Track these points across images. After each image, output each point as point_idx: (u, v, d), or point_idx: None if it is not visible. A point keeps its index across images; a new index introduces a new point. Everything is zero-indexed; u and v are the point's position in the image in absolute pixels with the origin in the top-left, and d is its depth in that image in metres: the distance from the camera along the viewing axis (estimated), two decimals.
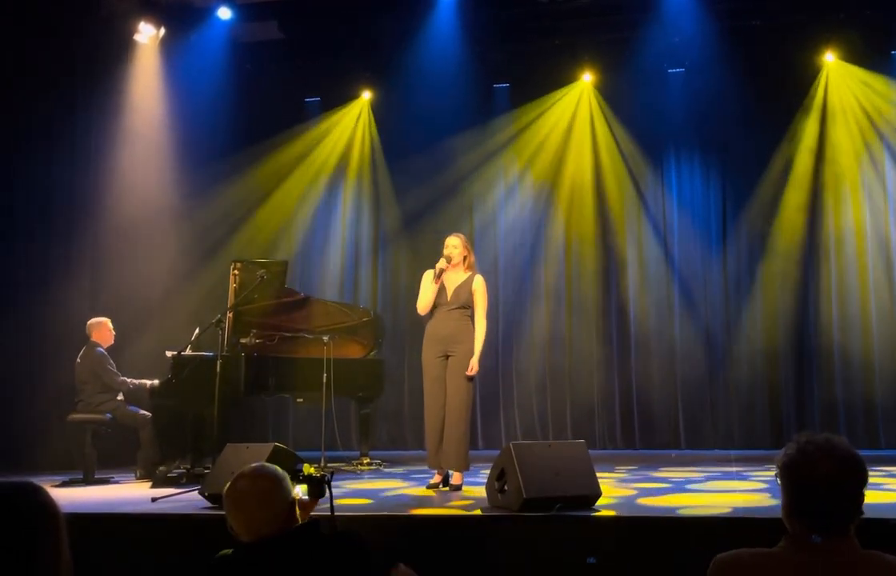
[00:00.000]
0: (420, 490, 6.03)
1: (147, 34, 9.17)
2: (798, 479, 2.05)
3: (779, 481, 2.13)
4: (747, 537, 2.46)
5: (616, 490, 5.78)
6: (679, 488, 5.99)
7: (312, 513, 2.72)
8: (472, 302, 6.13)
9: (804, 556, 2.00)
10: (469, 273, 6.21)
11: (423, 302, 6.18)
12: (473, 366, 6.02)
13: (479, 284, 6.16)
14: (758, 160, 9.61)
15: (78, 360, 7.36)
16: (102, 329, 7.49)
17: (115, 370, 7.38)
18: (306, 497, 2.68)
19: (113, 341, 7.55)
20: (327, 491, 2.73)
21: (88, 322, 7.52)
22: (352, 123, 10.58)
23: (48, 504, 1.71)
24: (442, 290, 6.13)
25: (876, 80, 9.32)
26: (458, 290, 6.11)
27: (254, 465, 2.52)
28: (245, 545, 2.37)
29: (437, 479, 6.06)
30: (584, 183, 10.05)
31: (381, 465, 7.98)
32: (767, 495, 5.46)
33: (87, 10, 8.50)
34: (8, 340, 7.79)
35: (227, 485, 2.45)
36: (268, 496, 2.39)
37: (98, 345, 7.39)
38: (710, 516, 4.62)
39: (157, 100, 9.27)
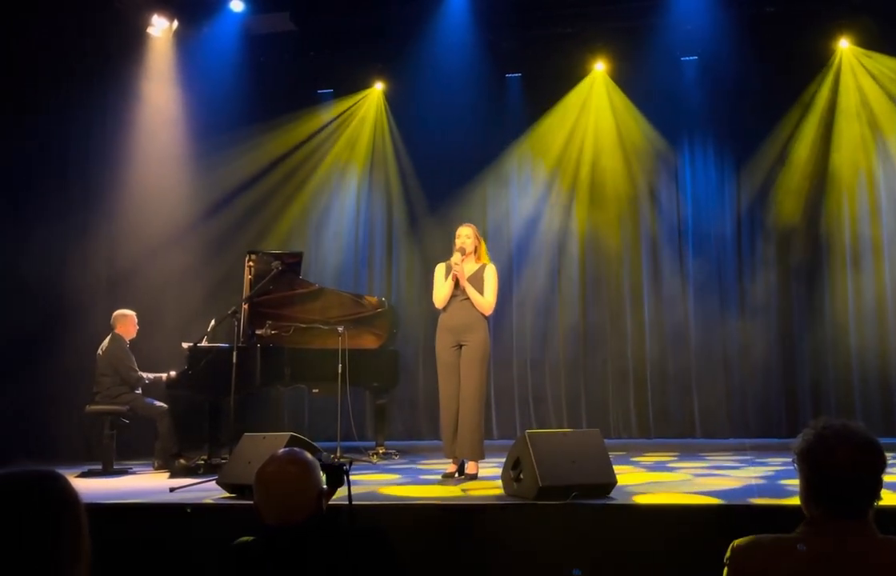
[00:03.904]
0: (435, 479, 6.04)
1: (160, 27, 9.21)
2: (816, 465, 2.05)
3: (796, 467, 2.13)
4: (765, 524, 2.46)
5: (631, 478, 5.78)
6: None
7: (330, 502, 2.73)
8: (483, 291, 6.14)
9: (823, 540, 2.00)
10: (481, 263, 6.22)
11: (440, 296, 6.19)
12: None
13: (489, 273, 6.17)
14: (772, 147, 9.55)
15: (100, 351, 7.42)
16: (127, 323, 7.56)
17: (135, 366, 7.44)
18: (325, 486, 2.69)
19: (136, 335, 7.61)
20: (346, 480, 2.74)
21: (114, 314, 7.59)
22: (364, 114, 10.60)
23: (69, 492, 1.72)
24: (456, 280, 6.14)
25: (891, 67, 9.24)
26: (471, 280, 6.12)
27: (286, 449, 2.53)
28: (269, 530, 2.38)
29: (451, 468, 6.08)
30: (596, 172, 10.01)
31: (396, 455, 8.02)
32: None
33: (101, 4, 8.53)
34: (28, 338, 7.85)
35: (259, 467, 2.46)
36: (297, 482, 2.40)
37: (122, 338, 7.46)
38: (727, 504, 4.61)
39: (171, 92, 9.31)
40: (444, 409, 6.14)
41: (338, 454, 7.36)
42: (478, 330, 6.07)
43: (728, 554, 2.10)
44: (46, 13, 7.96)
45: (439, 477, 6.05)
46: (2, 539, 1.61)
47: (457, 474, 6.04)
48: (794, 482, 2.19)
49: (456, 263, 6.09)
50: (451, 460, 6.12)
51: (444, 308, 6.19)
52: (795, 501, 2.16)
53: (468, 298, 6.10)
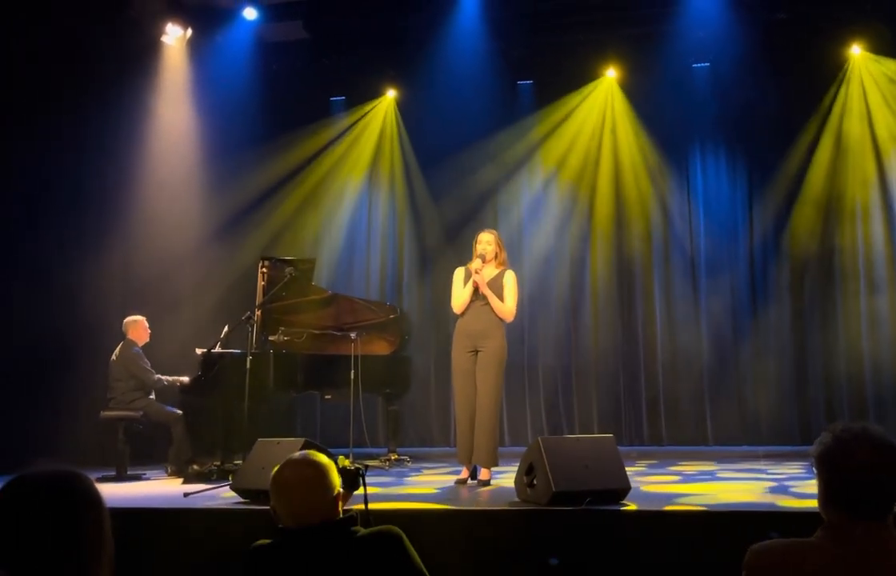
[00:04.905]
0: (449, 485, 6.03)
1: (174, 35, 9.24)
2: (835, 467, 2.05)
3: (814, 471, 2.12)
4: (781, 530, 2.46)
5: (645, 484, 5.76)
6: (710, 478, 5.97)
7: (346, 506, 2.74)
8: (503, 297, 6.12)
9: (841, 545, 2.00)
10: (501, 269, 6.21)
11: (459, 302, 6.17)
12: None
13: (509, 279, 6.16)
14: (784, 155, 9.52)
15: (113, 357, 7.46)
16: (139, 327, 7.59)
17: (150, 368, 7.47)
18: (341, 490, 2.70)
19: (148, 339, 7.65)
20: (361, 484, 2.75)
21: (125, 320, 7.62)
22: (376, 121, 10.64)
23: (91, 491, 1.73)
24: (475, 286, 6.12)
25: None
26: (490, 286, 6.11)
27: (301, 453, 2.55)
28: (286, 532, 2.40)
29: (464, 474, 6.06)
30: (608, 178, 10.02)
31: (408, 461, 8.02)
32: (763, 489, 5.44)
33: (117, 13, 8.59)
34: (44, 343, 7.91)
35: (275, 470, 2.48)
36: (313, 484, 2.41)
37: (134, 344, 7.49)
38: (742, 510, 4.60)
39: (185, 100, 9.35)
40: (459, 414, 6.14)
41: (350, 460, 7.35)
42: (495, 336, 6.06)
43: (746, 558, 2.09)
44: (61, 22, 8.02)
45: (452, 483, 6.04)
46: (25, 537, 1.62)
47: (469, 480, 6.03)
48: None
49: (476, 270, 6.08)
50: (464, 466, 6.11)
51: (462, 313, 6.17)
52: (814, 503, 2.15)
53: (487, 303, 6.08)
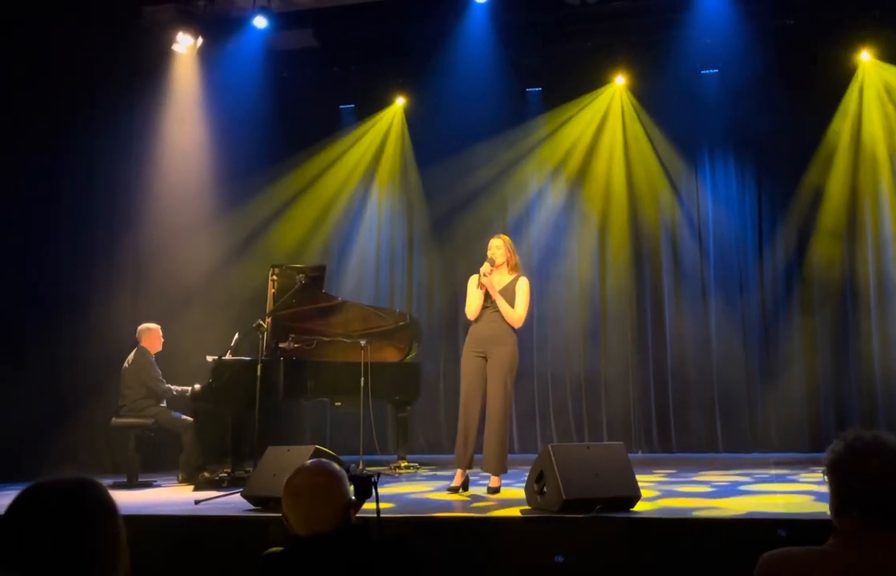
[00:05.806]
0: (460, 494, 6.00)
1: (185, 44, 9.26)
2: (847, 475, 2.05)
3: (826, 479, 2.12)
4: (793, 538, 2.45)
5: (656, 492, 5.75)
6: (720, 492, 5.94)
7: (358, 514, 2.75)
8: (515, 303, 6.11)
9: (854, 553, 2.00)
10: (514, 275, 6.20)
11: (472, 307, 6.16)
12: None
13: (521, 284, 6.15)
14: (793, 160, 9.50)
15: (126, 364, 7.48)
16: (152, 336, 7.62)
17: (161, 377, 7.50)
18: (353, 498, 2.71)
19: (161, 348, 7.67)
20: (374, 492, 2.76)
21: (139, 327, 7.65)
22: (385, 129, 10.65)
23: (106, 499, 1.74)
24: (486, 292, 6.12)
25: None
26: (503, 292, 6.10)
27: (314, 460, 2.56)
28: (298, 540, 2.41)
29: (458, 480, 6.01)
30: (617, 186, 10.01)
31: (418, 468, 8.03)
32: (810, 497, 5.42)
33: (128, 22, 8.65)
34: (55, 351, 7.97)
35: (287, 478, 2.49)
36: (325, 492, 2.42)
37: (147, 351, 7.52)
38: (754, 518, 4.58)
39: (196, 108, 9.38)
40: (462, 415, 6.08)
41: (360, 467, 7.37)
42: (505, 343, 6.04)
43: (758, 566, 2.09)
44: (72, 31, 8.07)
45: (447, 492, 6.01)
46: (39, 545, 1.63)
47: (461, 489, 5.98)
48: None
49: (485, 274, 6.08)
50: (457, 471, 6.04)
51: (476, 319, 6.17)
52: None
53: (499, 310, 6.08)
